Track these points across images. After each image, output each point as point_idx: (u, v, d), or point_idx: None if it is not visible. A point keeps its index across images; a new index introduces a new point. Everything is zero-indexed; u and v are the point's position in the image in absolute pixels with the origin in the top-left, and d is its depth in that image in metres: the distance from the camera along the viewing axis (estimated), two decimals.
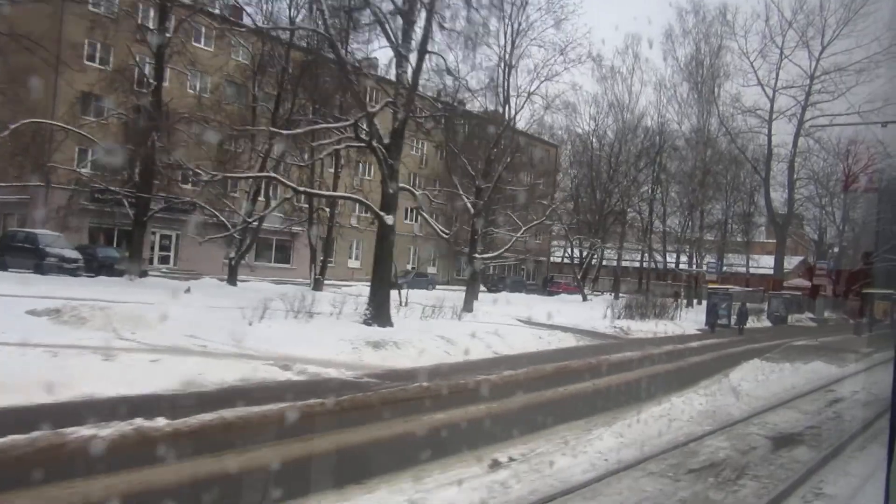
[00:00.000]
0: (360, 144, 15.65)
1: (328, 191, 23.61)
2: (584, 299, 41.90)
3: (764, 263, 66.06)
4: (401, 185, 16.16)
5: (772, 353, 20.11)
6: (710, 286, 35.47)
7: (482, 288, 46.52)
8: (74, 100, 23.66)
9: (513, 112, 22.17)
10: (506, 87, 22.22)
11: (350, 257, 43.53)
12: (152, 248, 33.60)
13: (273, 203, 27.95)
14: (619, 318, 26.60)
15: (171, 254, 34.32)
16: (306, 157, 22.36)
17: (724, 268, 60.73)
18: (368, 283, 29.15)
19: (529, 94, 21.92)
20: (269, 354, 11.68)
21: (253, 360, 11.10)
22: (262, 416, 7.36)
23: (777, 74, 45.21)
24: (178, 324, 12.95)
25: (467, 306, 23.08)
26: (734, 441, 7.94)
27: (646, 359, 17.69)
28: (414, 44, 14.71)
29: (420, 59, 14.62)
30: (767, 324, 39.58)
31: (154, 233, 33.13)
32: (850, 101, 41.58)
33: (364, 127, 14.56)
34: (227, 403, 7.91)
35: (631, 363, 16.54)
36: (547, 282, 53.46)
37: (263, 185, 26.27)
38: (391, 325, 15.48)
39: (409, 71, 15.10)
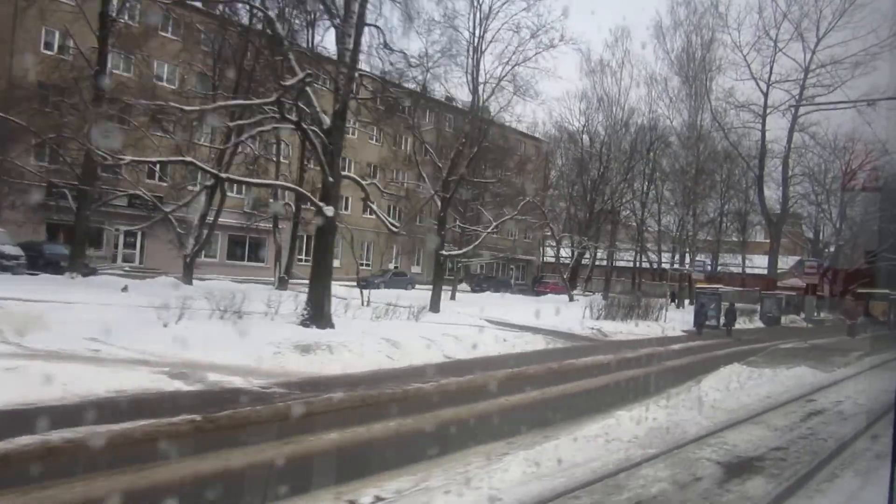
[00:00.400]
0: (288, 126, 14.27)
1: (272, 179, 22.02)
2: (571, 300, 40.44)
3: (761, 263, 64.68)
4: (346, 174, 14.78)
5: (755, 357, 18.74)
6: (698, 286, 34.04)
7: (466, 287, 45.29)
8: (30, 89, 22.39)
9: (482, 99, 20.70)
10: (475, 73, 20.83)
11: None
12: (116, 246, 32.27)
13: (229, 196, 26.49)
14: (598, 318, 25.23)
15: (137, 252, 32.92)
16: (254, 143, 20.79)
17: (720, 267, 59.58)
18: (345, 283, 27.99)
19: (500, 79, 20.54)
20: (171, 360, 10.32)
21: (146, 366, 9.74)
22: (82, 442, 5.97)
23: (771, 68, 43.82)
24: (83, 326, 11.59)
25: (434, 306, 21.73)
26: (677, 469, 6.54)
27: (616, 363, 16.33)
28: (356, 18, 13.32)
29: (358, 33, 13.23)
30: (760, 325, 38.20)
31: (117, 230, 31.81)
32: (847, 95, 40.14)
33: (289, 102, 13.12)
34: (67, 423, 6.54)
35: (597, 368, 15.15)
36: (536, 282, 52.00)
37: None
38: (332, 326, 14.11)
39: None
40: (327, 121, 13.56)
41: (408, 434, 7.83)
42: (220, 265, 36.56)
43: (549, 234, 43.63)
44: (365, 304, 20.80)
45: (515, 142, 55.67)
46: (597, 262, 61.51)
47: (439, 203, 21.67)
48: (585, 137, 49.91)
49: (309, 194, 14.60)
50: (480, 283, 42.86)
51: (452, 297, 31.55)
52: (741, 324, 35.65)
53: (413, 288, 37.71)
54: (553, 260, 62.45)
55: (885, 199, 46.90)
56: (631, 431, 7.82)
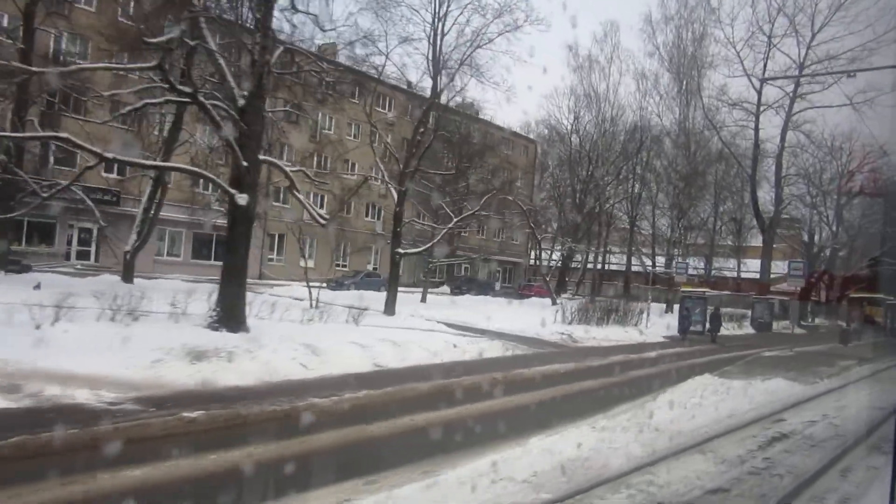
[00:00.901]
0: (182, 100, 12.68)
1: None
2: (554, 303, 38.80)
3: (756, 267, 63.08)
4: (266, 158, 13.17)
5: (732, 367, 17.10)
6: (683, 289, 32.39)
7: (445, 290, 43.67)
8: None
9: (440, 84, 19.06)
10: (435, 57, 19.19)
11: (303, 256, 40.41)
12: (69, 243, 30.70)
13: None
14: (571, 323, 23.61)
15: (92, 249, 31.34)
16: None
17: (714, 272, 57.90)
18: (314, 284, 26.24)
19: (461, 62, 18.94)
20: (16, 369, 8.72)
21: None
22: None
23: (765, 64, 42.16)
24: None
25: (389, 309, 20.13)
26: None
27: (572, 373, 14.71)
28: None
29: None
30: (750, 331, 36.58)
31: (72, 226, 30.26)
32: (843, 92, 38.57)
33: (167, 66, 11.46)
34: None
35: (547, 379, 13.52)
36: (521, 285, 50.39)
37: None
38: (246, 330, 12.50)
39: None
40: (241, 99, 11.98)
41: (251, 467, 6.21)
42: (184, 264, 34.98)
43: (530, 232, 41.90)
44: (313, 305, 19.24)
45: (500, 140, 54.22)
46: (589, 266, 60.38)
47: (395, 196, 20.03)
48: (574, 136, 48.29)
49: (219, 180, 12.97)
50: (460, 286, 41.20)
51: (423, 300, 29.95)
52: (730, 329, 34.06)
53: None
54: (544, 263, 61.16)
55: (887, 202, 45.20)
56: (533, 466, 6.20)
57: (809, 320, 42.18)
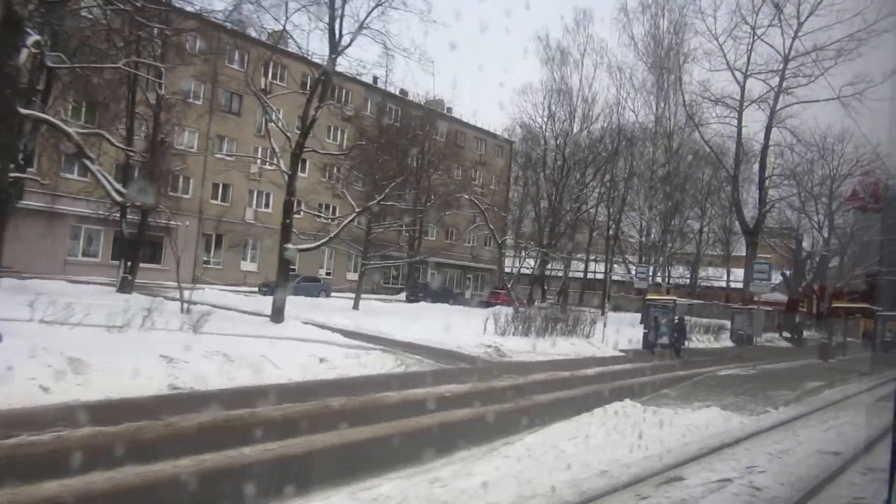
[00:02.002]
0: None
1: None
2: (516, 312, 35.65)
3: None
4: (30, 111, 10.08)
5: (670, 389, 13.95)
6: (649, 297, 29.24)
7: (402, 297, 40.55)
8: None
9: (337, 49, 15.93)
10: (333, 21, 16.14)
11: (244, 258, 37.40)
12: None
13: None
14: (504, 334, 20.48)
15: None
16: None
17: (700, 281, 54.65)
18: (244, 290, 23.06)
19: (361, 25, 15.87)
20: None
21: None
22: None
23: (749, 57, 39.06)
24: None
25: (276, 315, 17.00)
26: None
27: (457, 398, 11.55)
28: None
29: None
30: (729, 343, 33.41)
31: None
32: (830, 85, 35.53)
33: None
34: None
35: (407, 407, 10.39)
36: (490, 293, 47.32)
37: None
38: None
39: None
40: None
41: None
42: (104, 266, 31.85)
43: (490, 234, 38.79)
44: (184, 310, 16.17)
45: (472, 138, 51.28)
46: (579, 274, 57.20)
47: (287, 189, 16.94)
48: (548, 134, 45.28)
49: None
50: (416, 293, 38.03)
51: (356, 307, 26.82)
52: (704, 342, 30.95)
53: (327, 296, 33.03)
54: (521, 270, 58.08)
55: (885, 212, 41.87)
56: None
57: (795, 334, 38.89)
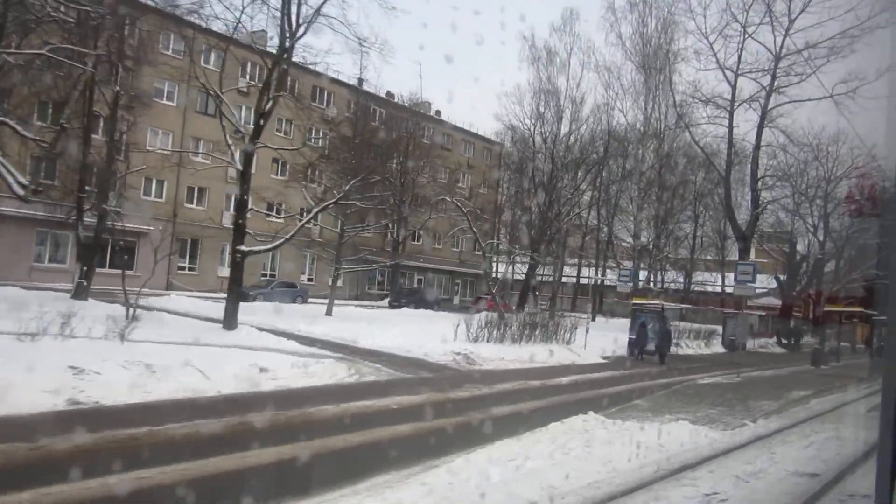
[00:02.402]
0: None
1: None
2: (501, 318, 34.60)
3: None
4: None
5: (643, 400, 12.92)
6: (634, 302, 28.18)
7: (385, 303, 39.46)
8: None
9: (292, 39, 14.94)
10: (288, 6, 15.15)
11: (221, 264, 36.30)
12: None
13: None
14: (477, 341, 19.42)
15: None
16: None
17: (693, 286, 53.60)
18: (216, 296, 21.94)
19: (317, 11, 14.86)
20: None
21: None
22: None
23: (739, 56, 38.07)
24: None
25: (228, 322, 15.96)
26: None
27: (402, 412, 10.52)
28: None
29: None
30: (720, 349, 32.37)
31: None
32: (822, 82, 34.59)
33: None
34: None
35: (335, 424, 9.33)
36: (476, 298, 46.30)
37: None
38: None
39: None
40: None
41: None
42: (71, 272, 30.76)
43: (474, 238, 37.74)
44: (129, 316, 15.13)
45: (459, 141, 50.31)
46: (571, 279, 56.16)
47: (238, 183, 15.94)
48: (535, 136, 44.26)
49: None
50: (399, 299, 36.97)
51: (329, 313, 25.78)
52: (693, 349, 29.90)
53: (304, 302, 31.97)
54: (513, 276, 57.15)
55: (884, 217, 40.68)
56: None
57: (791, 339, 37.84)
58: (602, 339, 26.17)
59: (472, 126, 51.60)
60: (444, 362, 16.78)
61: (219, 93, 15.42)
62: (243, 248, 16.05)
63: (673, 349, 28.30)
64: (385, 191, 28.88)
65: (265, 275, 37.03)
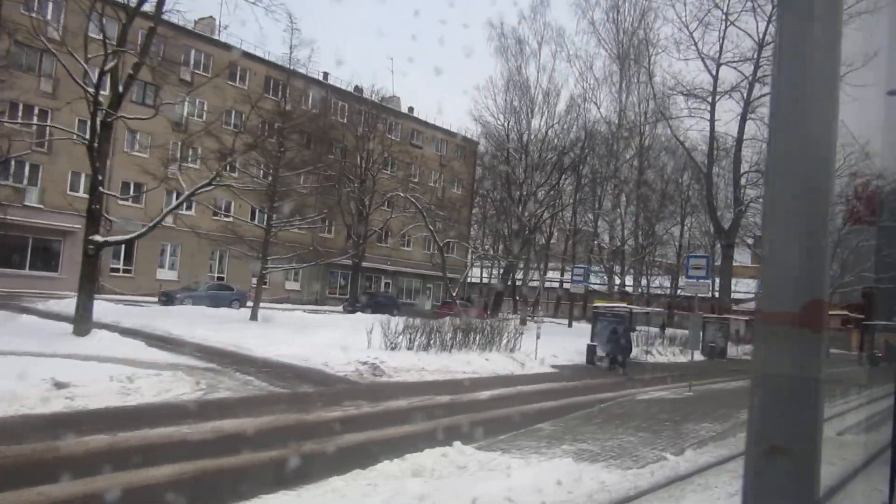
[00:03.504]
0: None
1: None
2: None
3: (741, 288, 56.04)
4: None
5: (552, 422, 10.33)
6: (596, 304, 25.58)
7: (345, 308, 36.87)
8: None
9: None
10: None
11: (161, 266, 33.77)
12: None
13: None
14: (394, 349, 16.84)
15: None
16: None
17: (679, 290, 50.96)
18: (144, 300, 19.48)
19: None
20: None
21: None
22: None
23: (721, 44, 35.68)
24: None
25: (79, 327, 13.39)
26: None
27: (208, 444, 7.95)
28: None
29: None
30: (699, 357, 29.77)
31: None
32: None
33: None
34: None
35: (77, 463, 6.78)
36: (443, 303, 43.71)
37: None
38: None
39: None
40: None
41: None
42: None
43: (429, 236, 35.18)
44: None
45: (431, 138, 47.79)
46: (553, 284, 53.56)
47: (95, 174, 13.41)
48: (510, 131, 41.80)
49: None
50: (353, 303, 34.32)
51: (253, 317, 23.20)
52: (667, 356, 27.30)
53: (241, 305, 29.37)
54: (499, 280, 54.56)
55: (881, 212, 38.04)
56: None
57: None
58: (564, 346, 23.68)
59: (451, 125, 49.18)
60: (343, 374, 14.23)
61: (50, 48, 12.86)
62: (98, 238, 13.49)
63: (646, 357, 25.80)
64: (328, 182, 26.32)
65: (212, 276, 34.50)
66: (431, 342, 17.42)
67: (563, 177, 41.46)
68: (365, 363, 14.97)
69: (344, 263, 39.39)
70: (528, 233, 41.79)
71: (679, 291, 49.89)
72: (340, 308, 35.85)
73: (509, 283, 43.74)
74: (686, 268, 14.86)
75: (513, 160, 41.68)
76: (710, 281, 15.18)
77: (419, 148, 46.34)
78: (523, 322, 39.12)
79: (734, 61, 35.71)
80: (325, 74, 44.25)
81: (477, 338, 18.92)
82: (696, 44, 36.07)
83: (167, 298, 26.86)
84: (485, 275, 57.44)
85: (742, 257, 51.18)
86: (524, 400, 13.36)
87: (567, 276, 54.53)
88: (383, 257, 45.03)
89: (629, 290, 41.59)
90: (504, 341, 19.55)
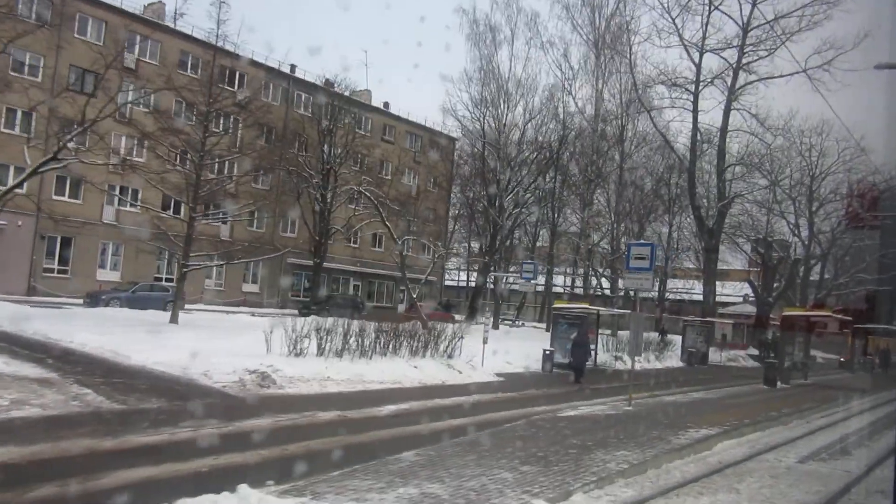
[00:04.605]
0: None
1: None
2: (425, 327, 29.72)
3: (731, 291, 53.64)
4: None
5: (421, 451, 8.01)
6: (556, 305, 23.28)
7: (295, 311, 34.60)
8: None
9: None
10: None
11: (102, 266, 31.53)
12: None
13: None
14: (302, 354, 14.58)
15: None
16: None
17: (668, 295, 48.64)
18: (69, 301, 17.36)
19: None
20: None
21: None
22: None
23: (704, 31, 33.52)
24: None
25: None
26: None
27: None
28: None
29: None
30: (677, 363, 27.52)
31: None
32: (793, 56, 29.97)
33: None
34: None
35: None
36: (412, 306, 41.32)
37: None
38: None
39: None
40: None
41: None
42: None
43: (387, 233, 32.89)
44: None
45: (404, 133, 45.61)
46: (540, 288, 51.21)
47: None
48: (483, 123, 39.64)
49: None
50: (310, 306, 31.96)
51: (173, 320, 20.90)
52: (642, 362, 24.91)
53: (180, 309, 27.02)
54: (468, 283, 52.59)
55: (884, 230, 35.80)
56: None
57: (766, 351, 32.90)
58: (526, 351, 21.40)
59: (433, 122, 46.94)
60: (221, 385, 11.99)
61: None
62: None
63: (616, 364, 23.57)
64: (258, 171, 24.12)
65: (159, 278, 32.25)
66: (346, 347, 15.13)
67: (542, 174, 39.39)
68: (254, 372, 12.71)
69: (306, 264, 37.16)
70: (507, 232, 39.67)
71: (649, 294, 47.50)
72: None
73: (486, 285, 41.38)
74: (626, 258, 12.57)
75: (489, 155, 39.54)
76: (652, 274, 12.84)
77: (391, 143, 44.16)
78: (496, 326, 36.98)
79: (718, 48, 33.58)
80: (293, 67, 42.26)
81: (412, 343, 16.66)
82: (678, 30, 33.95)
83: (91, 300, 24.64)
84: (466, 277, 55.20)
85: (735, 260, 49.07)
86: (431, 416, 11.08)
87: (559, 279, 52.58)
88: (352, 258, 42.82)
89: (608, 292, 39.30)
90: (442, 346, 17.29)
